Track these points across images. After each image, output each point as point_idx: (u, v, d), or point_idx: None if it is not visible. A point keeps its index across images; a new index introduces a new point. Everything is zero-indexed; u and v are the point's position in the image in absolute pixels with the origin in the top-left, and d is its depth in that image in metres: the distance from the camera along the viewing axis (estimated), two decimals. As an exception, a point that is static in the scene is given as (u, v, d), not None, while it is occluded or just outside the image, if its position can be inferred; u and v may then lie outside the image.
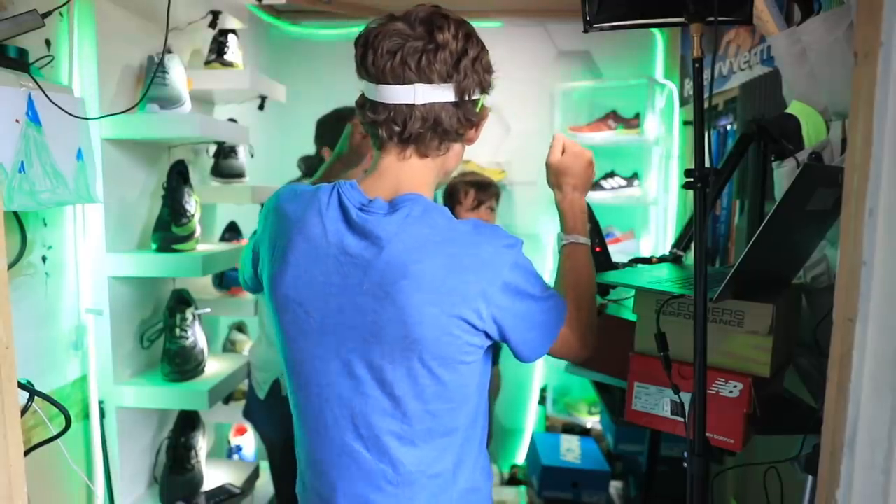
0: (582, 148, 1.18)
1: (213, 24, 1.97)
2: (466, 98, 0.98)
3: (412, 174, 1.01)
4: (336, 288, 0.98)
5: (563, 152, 1.18)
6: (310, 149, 2.27)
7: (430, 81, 0.95)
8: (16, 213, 1.32)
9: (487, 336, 0.99)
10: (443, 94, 0.96)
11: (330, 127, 2.15)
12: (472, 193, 2.45)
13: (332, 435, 1.04)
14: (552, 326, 1.04)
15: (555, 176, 1.18)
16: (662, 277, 1.30)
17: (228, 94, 2.12)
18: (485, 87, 1.02)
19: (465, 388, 1.02)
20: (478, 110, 1.02)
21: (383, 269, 0.94)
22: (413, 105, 0.96)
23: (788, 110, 1.39)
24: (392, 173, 1.01)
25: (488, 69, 1.01)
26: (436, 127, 0.98)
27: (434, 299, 0.93)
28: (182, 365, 1.77)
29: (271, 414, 2.10)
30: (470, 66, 0.97)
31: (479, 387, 1.06)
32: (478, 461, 1.10)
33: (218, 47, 1.99)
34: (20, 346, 1.01)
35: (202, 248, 1.88)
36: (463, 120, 1.00)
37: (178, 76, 1.69)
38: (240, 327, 2.64)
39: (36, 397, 1.17)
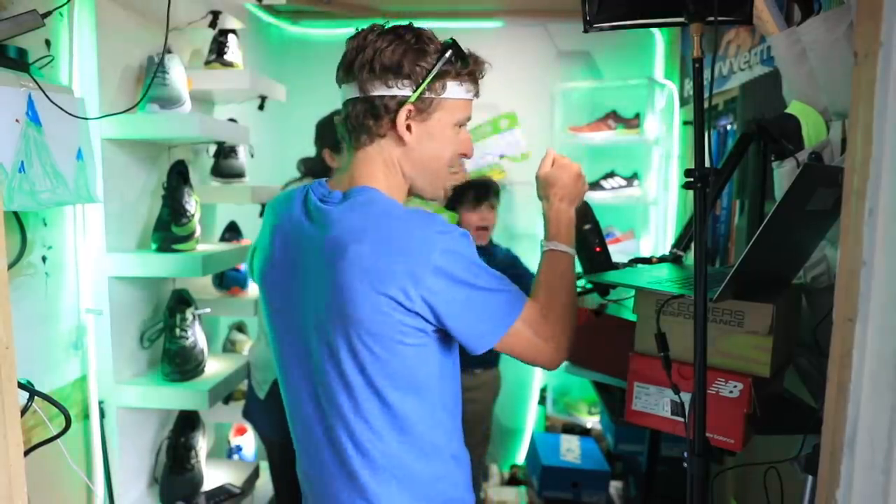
0: (570, 161, 1.24)
1: (213, 24, 1.97)
2: (370, 94, 1.05)
3: (361, 169, 1.10)
4: (301, 272, 1.08)
5: (552, 165, 1.23)
6: (310, 148, 2.27)
7: (340, 83, 1.10)
8: (16, 213, 1.32)
9: (424, 320, 1.01)
10: (350, 91, 1.08)
11: (330, 128, 2.15)
12: (471, 193, 2.54)
13: (306, 411, 1.11)
14: (498, 319, 1.05)
15: (543, 188, 1.23)
16: (662, 277, 1.29)
17: (228, 94, 2.12)
18: (389, 83, 1.04)
19: (410, 370, 1.05)
20: (402, 106, 1.04)
21: (326, 250, 1.02)
22: (343, 103, 1.11)
23: (788, 110, 1.39)
24: (348, 169, 1.12)
25: (393, 68, 1.03)
26: (346, 120, 1.10)
27: (365, 278, 0.99)
28: (182, 365, 1.78)
29: (271, 414, 2.10)
30: (366, 64, 1.04)
31: (438, 378, 1.08)
32: (446, 450, 1.12)
33: (218, 47, 1.99)
34: (20, 346, 1.01)
35: (202, 248, 1.88)
36: (368, 114, 1.06)
37: (178, 76, 1.69)
38: (240, 327, 2.64)
39: (36, 397, 1.17)
